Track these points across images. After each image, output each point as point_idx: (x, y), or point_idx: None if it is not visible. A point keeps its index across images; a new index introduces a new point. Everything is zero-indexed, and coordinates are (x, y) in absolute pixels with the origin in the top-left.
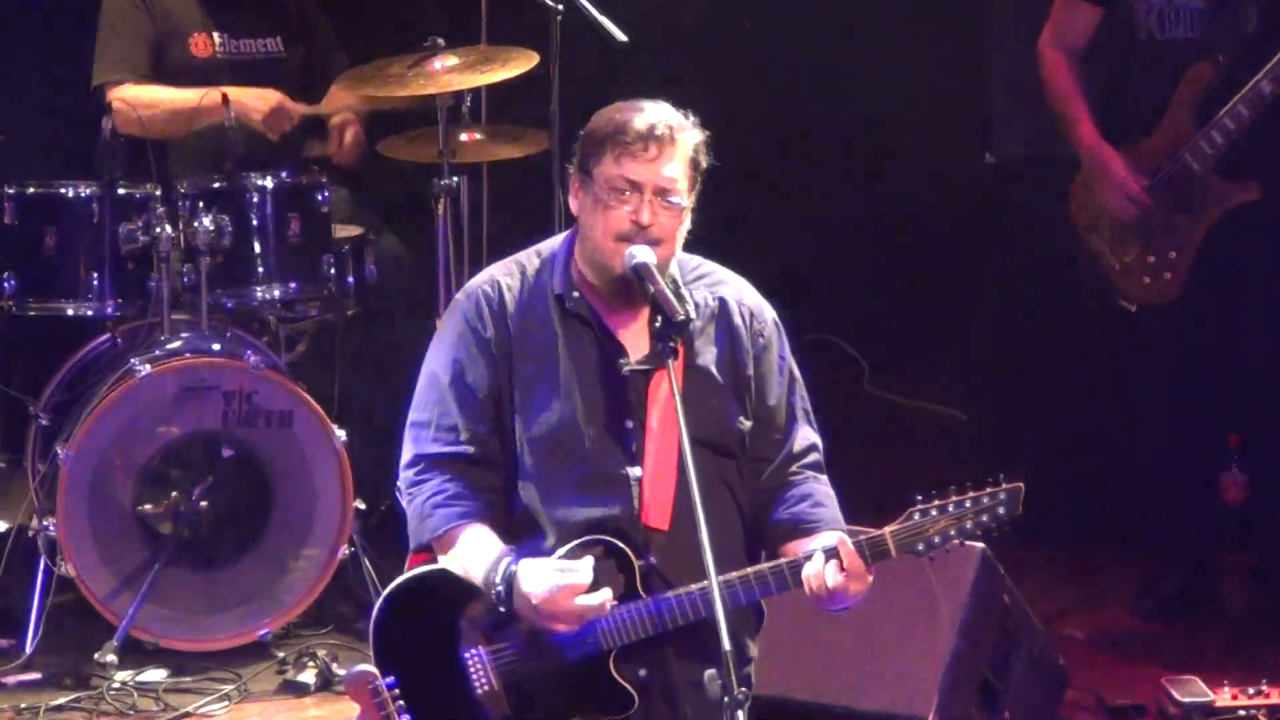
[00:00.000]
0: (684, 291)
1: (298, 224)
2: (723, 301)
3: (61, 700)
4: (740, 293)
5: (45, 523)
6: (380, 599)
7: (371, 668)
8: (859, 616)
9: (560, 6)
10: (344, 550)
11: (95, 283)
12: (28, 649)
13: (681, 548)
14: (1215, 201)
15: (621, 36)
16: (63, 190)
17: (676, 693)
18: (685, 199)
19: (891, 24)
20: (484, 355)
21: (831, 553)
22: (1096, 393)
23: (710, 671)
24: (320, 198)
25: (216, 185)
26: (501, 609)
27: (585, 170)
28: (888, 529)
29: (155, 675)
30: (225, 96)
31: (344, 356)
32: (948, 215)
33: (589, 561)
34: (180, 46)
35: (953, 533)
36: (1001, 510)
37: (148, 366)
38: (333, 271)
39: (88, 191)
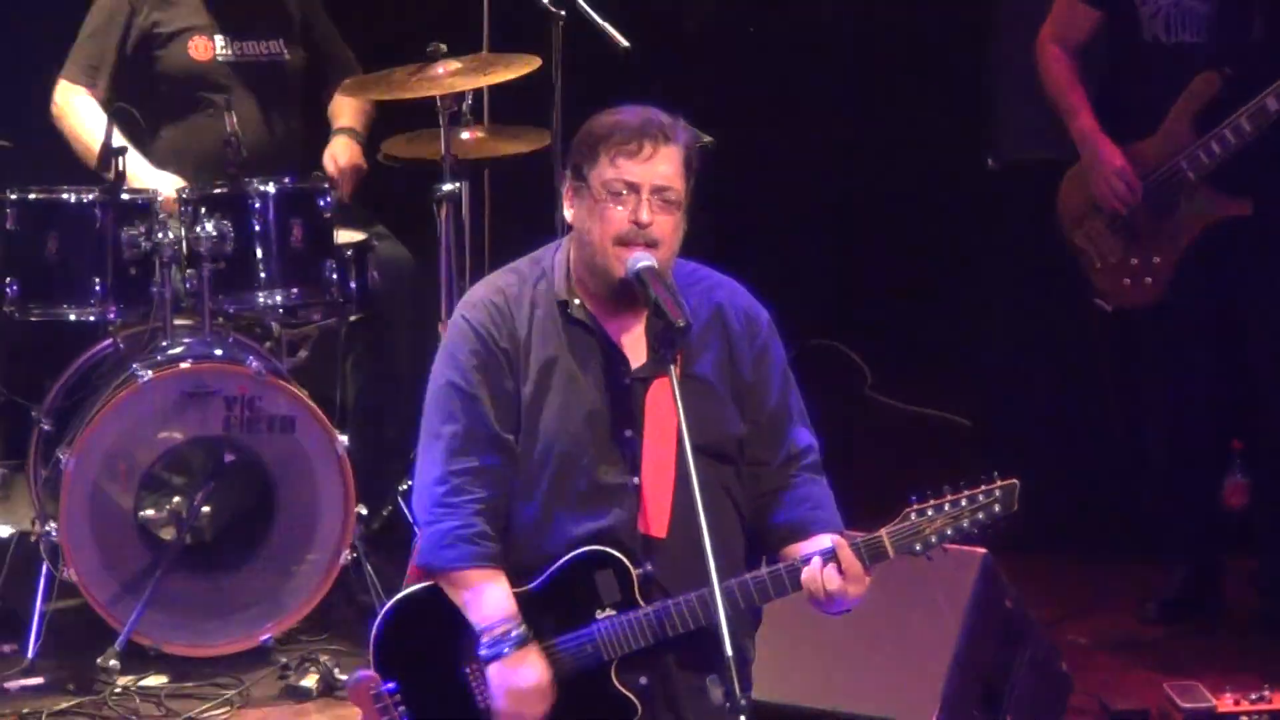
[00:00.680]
0: (681, 298)
1: (300, 229)
2: (719, 306)
3: (64, 705)
4: (736, 297)
5: (47, 528)
6: (380, 614)
7: (373, 673)
8: (860, 622)
9: (562, 12)
10: (346, 555)
11: (97, 288)
12: (30, 654)
13: (679, 556)
14: (1205, 211)
15: (623, 42)
16: (65, 196)
17: (679, 699)
18: (681, 197)
19: (893, 28)
20: (501, 362)
21: (829, 556)
22: (1099, 398)
23: (712, 677)
24: (323, 203)
25: (218, 191)
26: (482, 657)
27: (580, 176)
28: (884, 530)
29: (157, 681)
30: (228, 102)
31: (346, 362)
32: (950, 220)
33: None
34: (178, 49)
35: (949, 532)
36: (997, 508)
37: (150, 372)
38: (335, 277)
39: (90, 197)
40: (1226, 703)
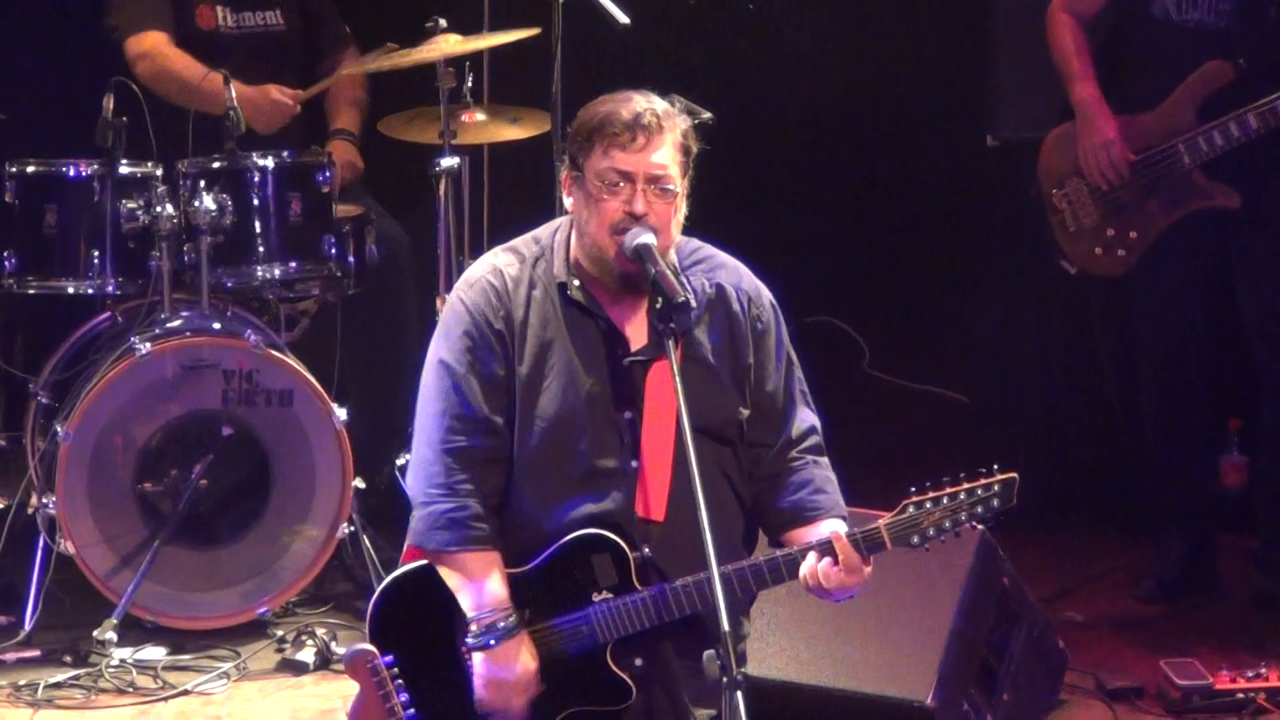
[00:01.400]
0: (684, 278)
1: (299, 204)
2: (720, 288)
3: (60, 678)
4: (737, 277)
5: (45, 500)
6: (379, 588)
7: (370, 646)
8: (857, 599)
9: None
10: (343, 529)
11: (96, 261)
12: (27, 626)
13: (677, 539)
14: (1194, 198)
15: (624, 19)
16: (64, 169)
17: (673, 679)
18: (678, 185)
19: (893, 5)
20: (494, 345)
21: (827, 547)
22: (1096, 376)
23: (709, 653)
24: (321, 177)
25: (217, 165)
26: (466, 646)
27: (576, 166)
28: (882, 521)
29: (154, 653)
30: (226, 77)
31: (344, 336)
32: (949, 198)
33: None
34: (187, 18)
35: (947, 525)
36: (996, 502)
37: (148, 345)
38: (334, 251)
39: (89, 170)
40: (1223, 680)
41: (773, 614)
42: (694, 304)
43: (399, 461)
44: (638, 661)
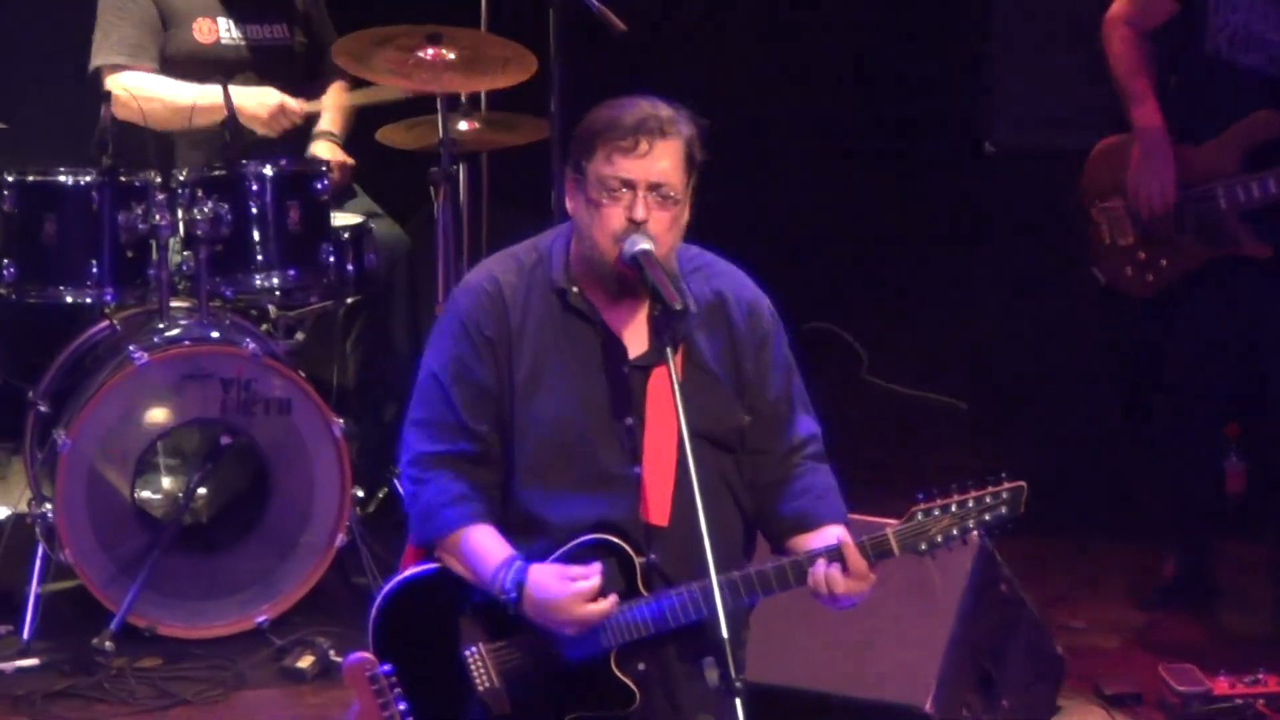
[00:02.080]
0: (683, 285)
1: (297, 212)
2: (720, 295)
3: (59, 687)
4: (737, 285)
5: (43, 509)
6: (378, 596)
7: (369, 655)
8: (858, 605)
9: None
10: (342, 538)
11: (94, 270)
12: (25, 635)
13: (681, 544)
14: (1227, 242)
15: (621, 26)
16: (62, 178)
17: (676, 684)
18: (680, 193)
19: (891, 12)
20: (485, 352)
21: (835, 554)
22: (1095, 383)
23: (708, 660)
24: (319, 186)
25: (216, 173)
26: (510, 612)
27: (578, 170)
28: (890, 529)
29: (152, 662)
30: (225, 92)
31: (343, 344)
32: (947, 204)
33: (598, 567)
34: (184, 32)
35: (955, 532)
36: (1004, 510)
37: (146, 354)
38: (332, 259)
39: (87, 179)
40: (1222, 686)
41: (772, 620)
42: (693, 310)
43: (397, 470)
44: (641, 667)
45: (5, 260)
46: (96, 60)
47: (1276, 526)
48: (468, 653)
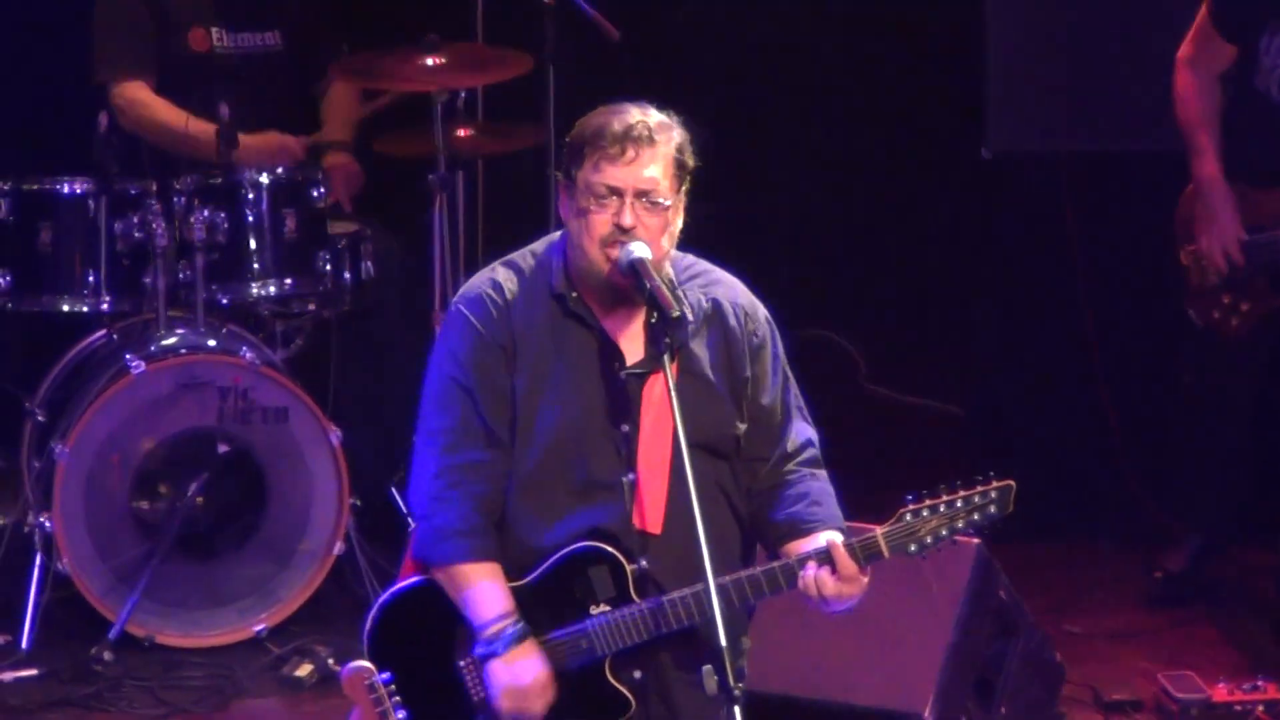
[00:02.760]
0: (680, 292)
1: (293, 220)
2: (716, 302)
3: (57, 696)
4: (733, 292)
5: (41, 519)
6: (375, 605)
7: (368, 663)
8: (855, 612)
9: (553, 2)
10: (340, 546)
11: (91, 279)
12: (24, 645)
13: (674, 551)
14: None
15: (615, 32)
16: (58, 186)
17: (672, 691)
18: (668, 199)
19: (887, 17)
20: (496, 357)
21: (824, 557)
22: (1093, 388)
23: (707, 668)
24: (316, 194)
25: (212, 181)
26: (478, 656)
27: (569, 177)
28: (879, 530)
29: (151, 671)
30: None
31: (340, 353)
32: (944, 210)
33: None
34: (178, 41)
35: (944, 532)
36: (993, 509)
37: (143, 363)
38: (329, 268)
39: (83, 188)
40: (1221, 692)
41: (771, 627)
42: (690, 318)
43: (396, 477)
44: (636, 674)
45: (2, 269)
46: (101, 74)
47: (1276, 532)
48: (464, 663)
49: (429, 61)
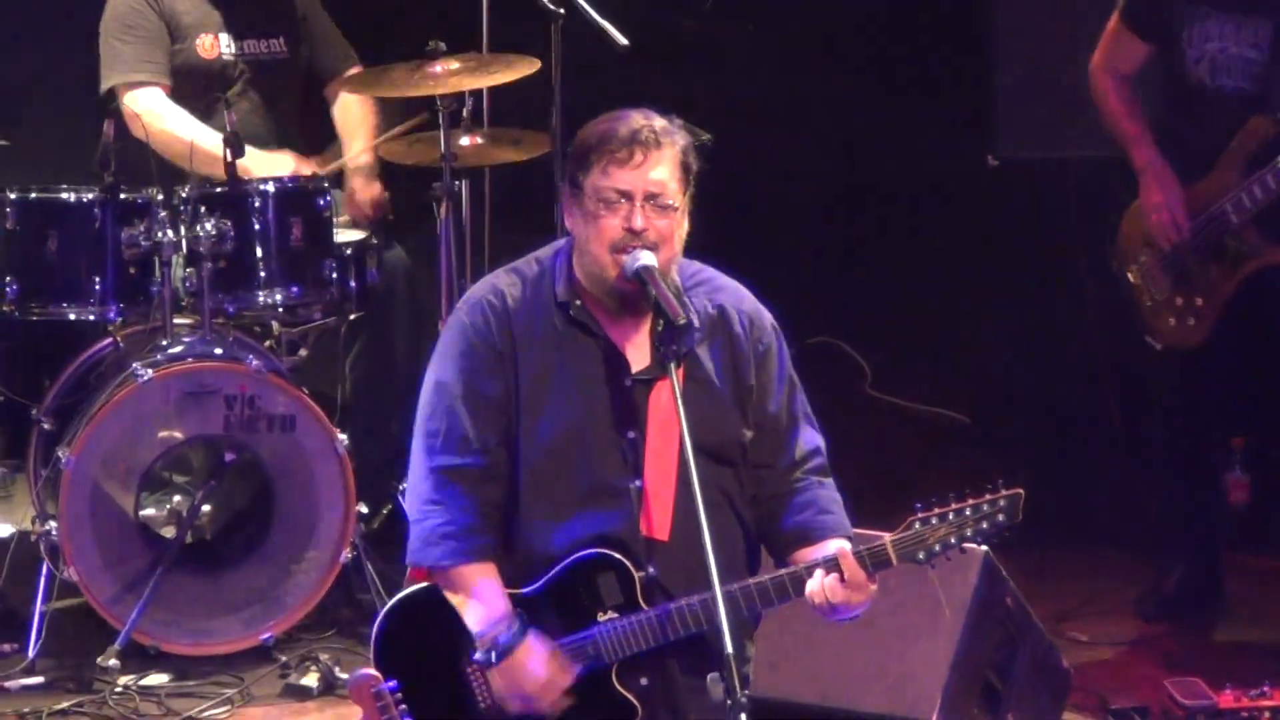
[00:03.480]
0: (686, 299)
1: (300, 228)
2: (722, 309)
3: (64, 705)
4: (739, 299)
5: (47, 527)
6: (381, 613)
7: (374, 671)
8: (861, 619)
9: (561, 11)
10: (346, 554)
11: (97, 287)
12: (30, 653)
13: (681, 558)
14: (1250, 255)
15: (623, 41)
16: (65, 195)
17: (678, 698)
18: (676, 201)
19: (894, 26)
20: (492, 365)
21: (832, 564)
22: (1098, 394)
23: (713, 675)
24: (322, 202)
25: (218, 189)
26: (478, 664)
27: (575, 184)
28: (888, 538)
29: (158, 679)
30: (226, 101)
31: (346, 361)
32: (950, 218)
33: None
34: (187, 48)
35: (953, 540)
36: (1001, 517)
37: (150, 371)
38: (335, 276)
39: (90, 196)
40: (1227, 699)
41: (777, 635)
42: (696, 325)
43: (401, 485)
44: (643, 681)
45: (8, 277)
46: (112, 79)
47: None
48: (470, 670)
49: (436, 68)
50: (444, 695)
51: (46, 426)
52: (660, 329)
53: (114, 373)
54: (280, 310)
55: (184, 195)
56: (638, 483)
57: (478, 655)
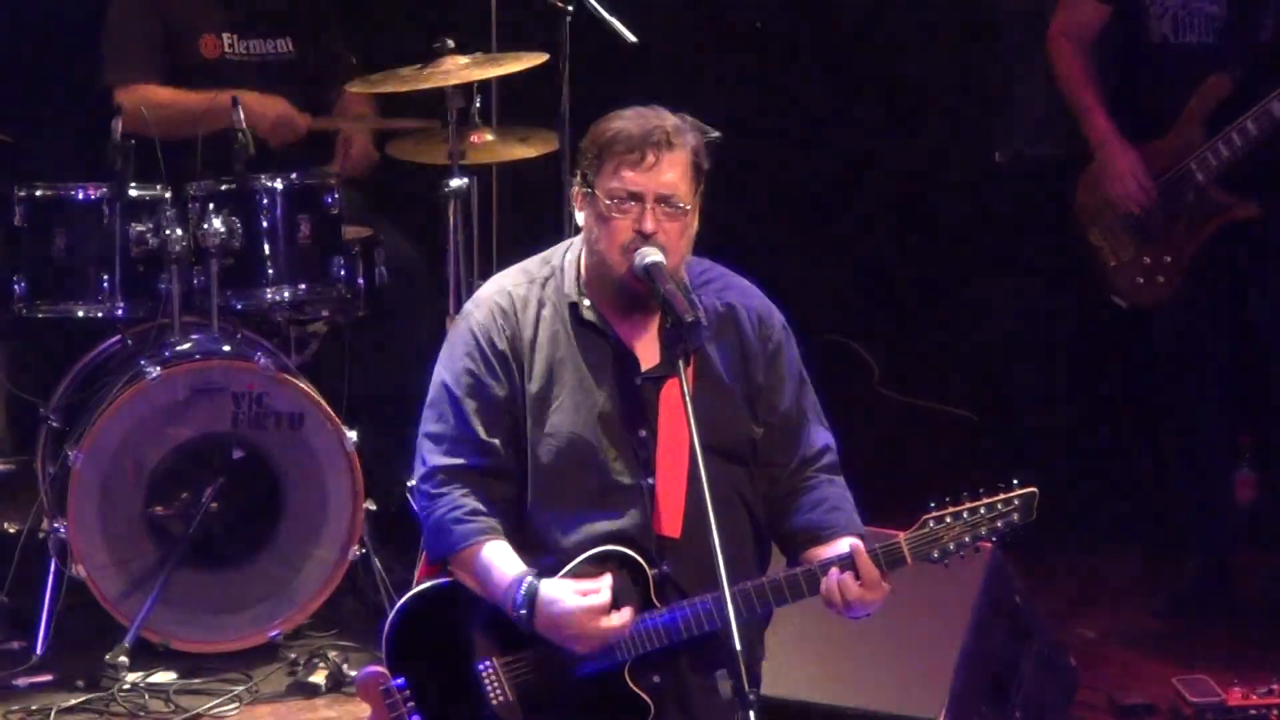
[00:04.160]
0: (694, 297)
1: (308, 226)
2: (731, 307)
3: (73, 702)
4: (748, 297)
5: (56, 524)
6: (393, 610)
7: (382, 668)
8: (870, 617)
9: (570, 7)
10: (354, 551)
11: (105, 285)
12: (39, 650)
13: (694, 555)
14: (1214, 212)
15: (631, 37)
16: (73, 192)
17: (689, 695)
18: (687, 203)
19: (900, 22)
20: (497, 366)
21: (847, 563)
22: (1107, 392)
23: (721, 672)
24: (330, 199)
25: (226, 187)
26: (523, 629)
27: (587, 183)
28: (902, 537)
29: (166, 676)
30: (235, 100)
31: (354, 358)
32: (957, 214)
33: (608, 580)
34: (189, 47)
35: (967, 539)
36: (1016, 516)
37: (158, 368)
38: (343, 273)
39: (98, 193)
40: (1235, 696)
41: (785, 633)
42: (704, 323)
43: (410, 483)
44: (655, 679)
45: (16, 275)
46: (109, 77)
47: None
48: (481, 666)
49: (445, 65)
50: (455, 693)
51: (54, 424)
52: (669, 327)
53: (122, 370)
54: (288, 308)
55: (192, 193)
56: (649, 480)
57: (515, 617)
